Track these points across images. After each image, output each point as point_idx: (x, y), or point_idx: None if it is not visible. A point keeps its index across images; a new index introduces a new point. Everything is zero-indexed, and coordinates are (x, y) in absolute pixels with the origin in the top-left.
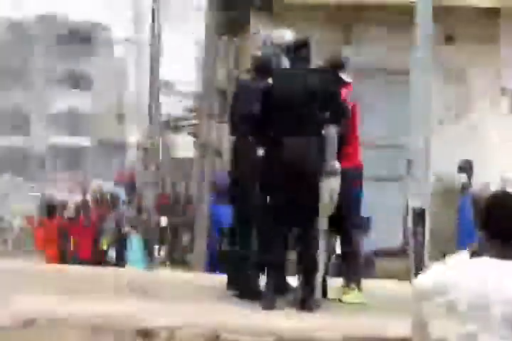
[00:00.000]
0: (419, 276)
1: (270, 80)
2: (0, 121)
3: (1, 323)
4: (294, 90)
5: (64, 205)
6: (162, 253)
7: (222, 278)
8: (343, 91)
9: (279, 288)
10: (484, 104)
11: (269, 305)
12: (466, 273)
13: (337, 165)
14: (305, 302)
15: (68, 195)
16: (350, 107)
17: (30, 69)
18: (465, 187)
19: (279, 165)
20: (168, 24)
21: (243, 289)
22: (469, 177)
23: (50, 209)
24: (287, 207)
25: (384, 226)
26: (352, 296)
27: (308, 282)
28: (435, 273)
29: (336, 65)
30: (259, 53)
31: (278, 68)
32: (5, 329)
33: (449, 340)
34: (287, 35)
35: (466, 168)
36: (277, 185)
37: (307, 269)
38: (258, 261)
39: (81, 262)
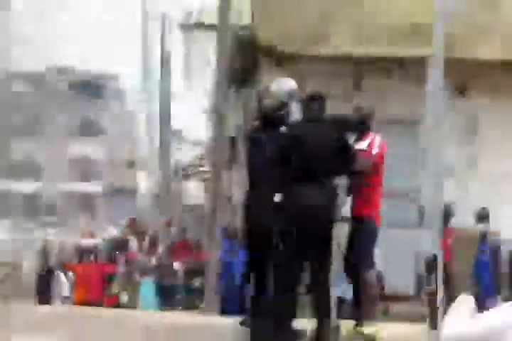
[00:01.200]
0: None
1: (284, 130)
2: (13, 168)
3: None
4: (309, 142)
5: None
6: (179, 296)
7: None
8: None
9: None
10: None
11: None
12: None
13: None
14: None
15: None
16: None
17: (43, 118)
18: (484, 236)
19: (294, 211)
20: (176, 75)
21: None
22: (486, 225)
23: (81, 253)
24: (302, 251)
25: (396, 273)
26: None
27: (324, 325)
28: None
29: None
30: (265, 103)
31: (294, 120)
32: None
33: None
34: (291, 84)
35: (483, 216)
36: (291, 230)
37: (323, 313)
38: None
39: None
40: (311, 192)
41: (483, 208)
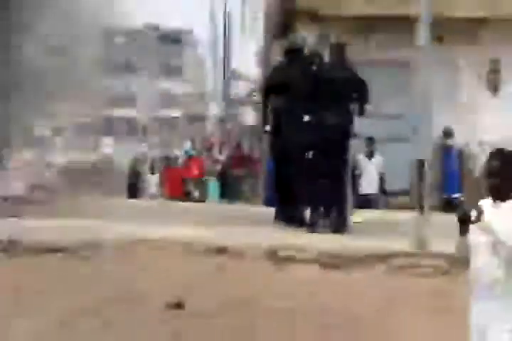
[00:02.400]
0: None
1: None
2: (116, 98)
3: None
4: (335, 77)
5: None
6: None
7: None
8: None
9: (319, 218)
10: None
11: (313, 230)
12: None
13: None
14: (340, 228)
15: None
16: None
17: (139, 62)
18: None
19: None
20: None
21: (293, 219)
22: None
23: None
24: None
25: (395, 175)
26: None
27: (341, 213)
28: None
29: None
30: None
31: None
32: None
33: None
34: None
35: (449, 132)
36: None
37: (340, 205)
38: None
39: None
40: (335, 116)
41: (448, 126)
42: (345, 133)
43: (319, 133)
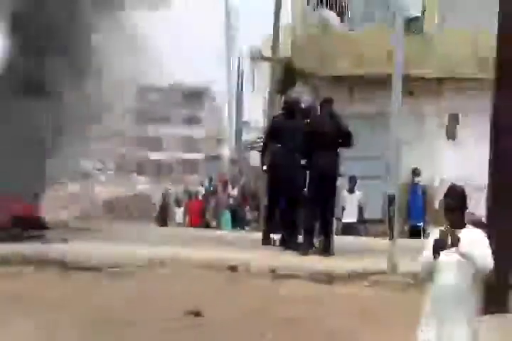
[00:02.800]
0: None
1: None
2: (148, 143)
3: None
4: (325, 127)
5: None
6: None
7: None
8: None
9: (310, 243)
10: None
11: (305, 253)
12: None
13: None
14: (327, 251)
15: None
16: None
17: (168, 114)
18: (416, 183)
19: (316, 170)
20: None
21: (291, 242)
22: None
23: (190, 195)
24: (320, 195)
25: (372, 207)
26: None
27: (327, 238)
28: None
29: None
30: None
31: (315, 114)
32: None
33: None
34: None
35: (416, 172)
36: (314, 181)
37: (327, 232)
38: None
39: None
40: (325, 158)
41: (416, 167)
42: (333, 173)
43: (313, 173)
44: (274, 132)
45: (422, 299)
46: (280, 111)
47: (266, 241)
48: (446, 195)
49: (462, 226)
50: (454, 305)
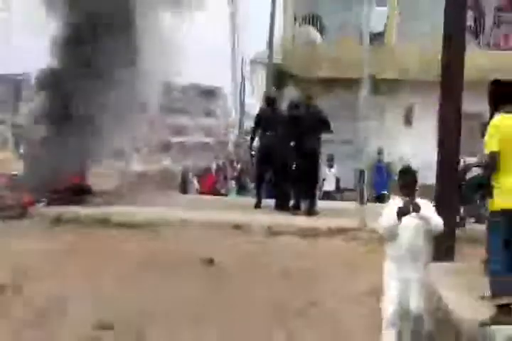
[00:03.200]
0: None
1: (296, 111)
2: (170, 129)
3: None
4: (308, 116)
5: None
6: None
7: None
8: None
9: (298, 205)
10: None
11: (295, 213)
12: None
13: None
14: (311, 211)
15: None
16: None
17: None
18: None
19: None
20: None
21: (283, 206)
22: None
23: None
24: (306, 168)
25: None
26: None
27: (312, 201)
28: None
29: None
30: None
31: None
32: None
33: None
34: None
35: (380, 151)
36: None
37: (312, 195)
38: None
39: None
40: (309, 141)
41: (380, 147)
42: (316, 153)
43: (300, 152)
44: (259, 121)
45: (382, 248)
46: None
47: (257, 205)
48: (402, 173)
49: (414, 197)
50: (411, 261)
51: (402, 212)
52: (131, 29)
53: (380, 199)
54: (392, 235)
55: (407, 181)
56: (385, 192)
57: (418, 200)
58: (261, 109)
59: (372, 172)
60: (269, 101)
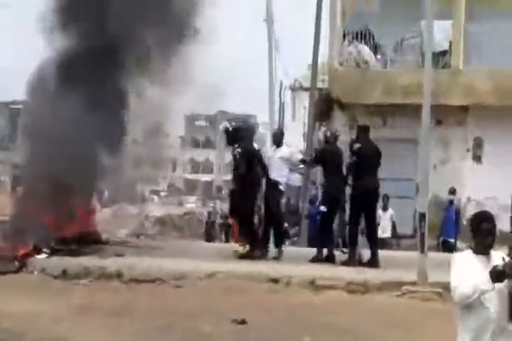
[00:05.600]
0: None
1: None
2: (197, 167)
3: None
4: (370, 152)
5: None
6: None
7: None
8: None
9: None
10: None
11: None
12: None
13: None
14: (373, 262)
15: None
16: None
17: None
18: (451, 201)
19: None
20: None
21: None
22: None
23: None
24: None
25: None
26: None
27: (375, 252)
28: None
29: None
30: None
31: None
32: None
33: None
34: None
35: (452, 191)
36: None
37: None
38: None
39: None
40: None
41: (452, 187)
42: (377, 192)
43: (359, 192)
44: (319, 160)
45: (446, 308)
46: (323, 144)
47: (322, 258)
48: (482, 221)
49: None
50: (496, 334)
51: (500, 275)
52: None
53: (448, 247)
54: (473, 303)
55: (492, 228)
56: (453, 240)
57: (495, 253)
58: (321, 148)
59: (441, 215)
60: (330, 140)
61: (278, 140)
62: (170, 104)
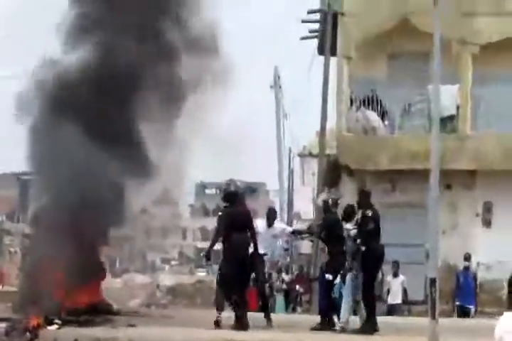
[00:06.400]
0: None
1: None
2: (205, 233)
3: None
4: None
5: None
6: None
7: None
8: None
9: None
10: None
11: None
12: None
13: None
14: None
15: None
16: None
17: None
18: (467, 268)
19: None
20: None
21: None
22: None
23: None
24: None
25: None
26: None
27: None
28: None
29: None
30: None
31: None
32: None
33: None
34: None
35: (468, 257)
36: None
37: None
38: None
39: None
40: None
41: (467, 253)
42: (383, 258)
43: (373, 257)
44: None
45: None
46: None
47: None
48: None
49: None
50: None
51: None
52: None
53: (465, 314)
54: None
55: None
56: (472, 306)
57: None
58: (323, 223)
59: (452, 280)
60: (331, 208)
61: (272, 217)
62: (180, 172)
